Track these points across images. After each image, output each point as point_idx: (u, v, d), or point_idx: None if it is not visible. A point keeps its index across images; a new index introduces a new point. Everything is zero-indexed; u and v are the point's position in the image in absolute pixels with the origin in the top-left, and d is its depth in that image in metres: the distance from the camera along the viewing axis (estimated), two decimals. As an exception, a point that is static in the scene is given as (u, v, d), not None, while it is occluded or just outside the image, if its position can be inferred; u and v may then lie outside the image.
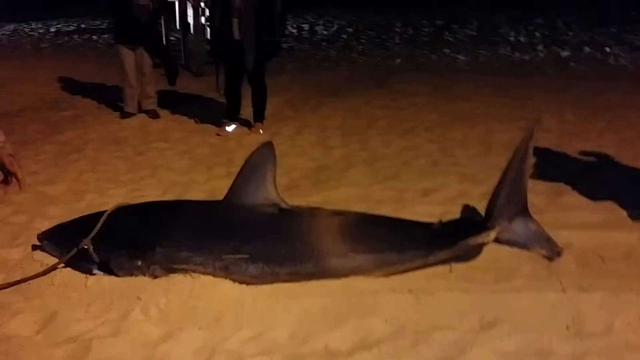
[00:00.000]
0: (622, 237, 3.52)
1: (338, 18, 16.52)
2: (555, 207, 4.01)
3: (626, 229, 3.64)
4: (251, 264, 3.03)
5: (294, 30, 14.75)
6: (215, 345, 2.64)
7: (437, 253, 3.17)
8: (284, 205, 3.34)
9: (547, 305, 2.82)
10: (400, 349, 2.57)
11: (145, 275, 3.12)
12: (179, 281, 3.04)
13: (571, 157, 5.09)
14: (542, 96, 7.32)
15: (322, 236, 3.15)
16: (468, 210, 4.01)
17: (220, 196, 3.49)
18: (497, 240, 3.34)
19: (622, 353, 2.51)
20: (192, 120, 6.73)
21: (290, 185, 4.61)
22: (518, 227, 3.36)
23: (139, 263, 3.12)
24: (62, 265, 3.26)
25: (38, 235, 3.52)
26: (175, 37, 10.53)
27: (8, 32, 16.49)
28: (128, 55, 6.68)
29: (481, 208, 3.63)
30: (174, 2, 9.98)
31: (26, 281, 3.16)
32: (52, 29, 16.77)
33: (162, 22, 9.04)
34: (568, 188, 4.30)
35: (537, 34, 12.78)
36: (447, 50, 11.46)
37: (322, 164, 5.25)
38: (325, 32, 14.64)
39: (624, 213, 3.86)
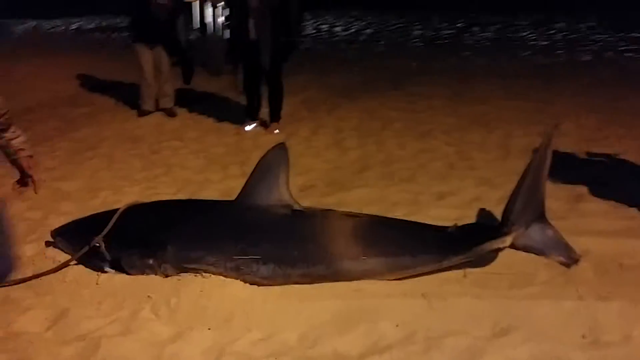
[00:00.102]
0: (641, 245, 3.44)
1: (358, 19, 16.50)
2: (574, 213, 3.94)
3: (646, 237, 3.55)
4: (262, 265, 3.03)
5: (313, 31, 14.76)
6: (224, 346, 2.63)
7: (451, 258, 3.13)
8: (296, 207, 3.33)
9: (563, 313, 2.77)
10: (412, 355, 2.54)
11: (156, 274, 3.13)
12: (189, 281, 3.04)
13: (590, 163, 5.02)
14: (562, 101, 7.22)
15: (334, 238, 3.13)
16: (484, 214, 3.97)
17: (234, 195, 3.48)
18: (513, 245, 3.29)
19: (640, 364, 2.45)
20: (209, 120, 6.73)
21: (305, 185, 4.60)
22: (535, 233, 3.31)
23: (151, 262, 3.13)
24: (74, 262, 3.27)
25: (51, 232, 3.55)
26: (193, 36, 10.56)
27: (29, 29, 16.67)
28: (146, 54, 6.72)
29: (497, 213, 3.59)
30: (192, 2, 10.01)
31: (38, 277, 3.18)
32: (73, 26, 16.93)
33: (181, 22, 9.07)
34: (586, 194, 4.24)
35: (559, 38, 12.64)
36: (466, 53, 11.37)
37: (337, 165, 5.22)
38: (344, 33, 14.63)
39: (643, 220, 3.78)
